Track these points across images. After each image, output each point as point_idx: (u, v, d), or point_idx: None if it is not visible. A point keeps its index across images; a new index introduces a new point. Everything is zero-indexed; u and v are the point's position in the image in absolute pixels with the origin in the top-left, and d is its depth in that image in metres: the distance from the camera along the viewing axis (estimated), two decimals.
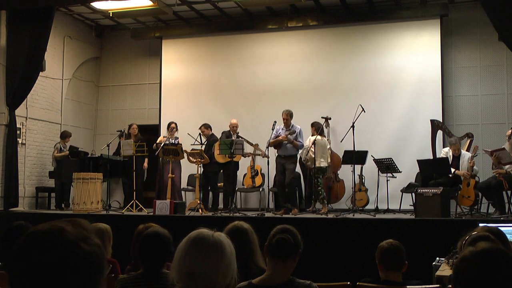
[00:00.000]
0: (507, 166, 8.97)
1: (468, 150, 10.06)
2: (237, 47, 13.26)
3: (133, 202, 10.46)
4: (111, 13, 12.38)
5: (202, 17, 13.31)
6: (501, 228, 4.34)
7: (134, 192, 10.65)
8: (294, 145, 9.98)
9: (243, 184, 11.96)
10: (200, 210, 9.71)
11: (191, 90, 13.32)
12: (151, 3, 11.62)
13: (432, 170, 9.46)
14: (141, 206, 10.44)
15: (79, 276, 1.30)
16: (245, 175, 11.95)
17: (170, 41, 13.75)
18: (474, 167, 9.42)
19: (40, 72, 11.73)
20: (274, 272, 3.08)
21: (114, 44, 14.51)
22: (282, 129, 10.25)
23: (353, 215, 9.17)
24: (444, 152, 9.88)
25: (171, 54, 13.70)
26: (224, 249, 2.38)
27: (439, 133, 10.93)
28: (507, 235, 4.22)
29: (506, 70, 11.55)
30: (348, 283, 4.23)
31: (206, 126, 11.17)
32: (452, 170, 9.42)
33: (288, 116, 10.18)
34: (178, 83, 13.48)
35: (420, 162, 9.58)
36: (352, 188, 10.32)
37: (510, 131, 9.38)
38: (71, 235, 1.32)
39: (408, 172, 10.43)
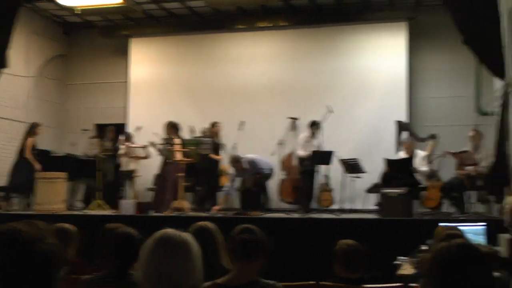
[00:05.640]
0: (469, 167, 9.17)
1: (431, 151, 10.22)
2: (208, 46, 13.24)
3: (96, 202, 10.37)
4: (78, 10, 12.22)
5: (172, 16, 13.26)
6: (461, 228, 4.47)
7: (97, 192, 10.57)
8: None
9: None
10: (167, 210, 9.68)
11: (161, 89, 13.26)
12: (120, 0, 11.51)
13: (397, 169, 9.61)
14: (104, 206, 10.35)
15: (36, 273, 1.36)
16: None
17: (139, 39, 13.67)
18: (423, 167, 9.60)
19: (4, 69, 11.51)
20: (239, 272, 3.08)
21: (82, 42, 14.34)
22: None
23: (319, 215, 9.26)
24: (399, 155, 10.09)
25: (140, 52, 13.61)
26: (190, 249, 2.40)
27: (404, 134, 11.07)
28: (466, 234, 4.35)
29: (472, 72, 11.73)
30: (313, 282, 4.27)
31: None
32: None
33: (234, 163, 10.13)
34: (148, 82, 13.41)
35: (387, 161, 9.73)
36: (318, 188, 10.42)
37: (472, 132, 9.58)
38: (27, 234, 1.38)
39: (373, 172, 10.53)
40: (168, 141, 10.44)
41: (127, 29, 13.64)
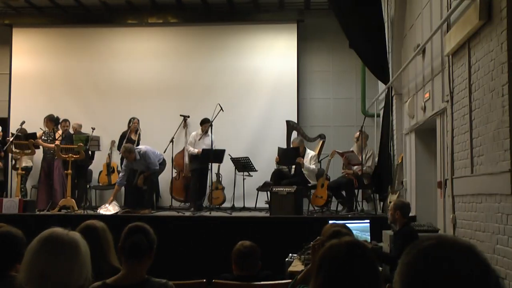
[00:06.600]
0: (355, 167, 9.55)
1: (320, 151, 10.53)
2: (95, 40, 12.82)
3: None
4: None
5: (57, 6, 12.69)
6: (348, 225, 4.62)
7: None
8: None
9: (98, 182, 11.64)
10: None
11: (46, 83, 12.65)
12: None
13: (288, 158, 9.81)
14: None
15: None
16: (100, 172, 11.63)
17: (21, 29, 12.98)
18: (312, 166, 9.88)
19: None
20: (129, 271, 3.03)
21: None
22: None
23: (210, 213, 9.27)
24: None
25: (23, 43, 12.92)
26: (79, 248, 2.32)
27: (294, 133, 11.33)
28: (353, 231, 4.51)
29: (355, 75, 12.24)
30: (204, 280, 4.26)
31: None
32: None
33: (127, 154, 9.63)
34: (32, 75, 12.74)
35: (279, 150, 9.93)
36: (209, 186, 10.44)
37: (357, 133, 9.97)
38: None
39: (264, 170, 10.70)
40: (50, 136, 10.04)
41: (8, 17, 12.91)
